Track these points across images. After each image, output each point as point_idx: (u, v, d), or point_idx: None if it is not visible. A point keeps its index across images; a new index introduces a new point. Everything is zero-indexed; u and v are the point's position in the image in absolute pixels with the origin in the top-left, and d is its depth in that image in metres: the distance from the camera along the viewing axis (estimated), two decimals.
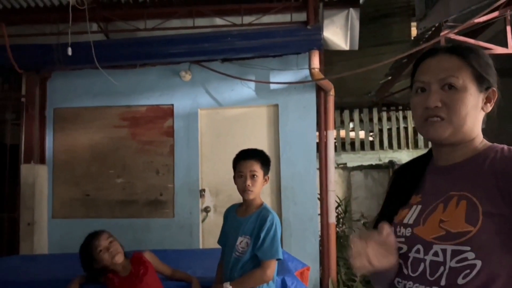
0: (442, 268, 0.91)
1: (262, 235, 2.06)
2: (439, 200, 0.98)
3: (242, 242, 2.11)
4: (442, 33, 3.64)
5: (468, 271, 0.88)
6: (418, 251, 0.96)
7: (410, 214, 1.02)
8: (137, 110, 4.46)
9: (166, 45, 4.04)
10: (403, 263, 0.99)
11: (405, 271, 0.98)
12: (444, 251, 0.91)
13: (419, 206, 1.02)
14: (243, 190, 2.15)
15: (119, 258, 2.29)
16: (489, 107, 1.00)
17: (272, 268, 2.07)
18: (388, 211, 1.10)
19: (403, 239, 1.00)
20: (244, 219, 2.17)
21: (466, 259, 0.88)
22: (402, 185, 1.11)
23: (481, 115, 1.00)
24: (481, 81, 0.98)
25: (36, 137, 4.34)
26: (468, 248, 0.88)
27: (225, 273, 2.19)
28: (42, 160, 4.40)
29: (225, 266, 2.19)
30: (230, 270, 2.13)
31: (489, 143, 1.01)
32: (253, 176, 2.12)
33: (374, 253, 0.92)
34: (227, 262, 2.16)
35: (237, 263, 2.11)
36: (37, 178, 4.24)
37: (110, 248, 2.29)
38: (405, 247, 0.99)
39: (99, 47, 3.88)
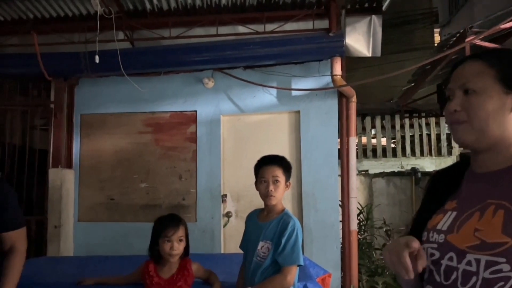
0: (475, 278, 0.89)
1: (283, 241, 2.07)
2: (475, 208, 0.96)
3: (263, 247, 2.13)
4: (467, 39, 3.60)
5: (502, 283, 0.85)
6: (451, 259, 0.94)
7: (445, 220, 1.01)
8: (161, 117, 4.55)
9: (190, 53, 4.12)
10: (435, 269, 0.97)
11: (437, 278, 0.97)
12: (477, 261, 0.89)
13: (454, 213, 1.00)
14: (265, 196, 2.17)
15: (174, 259, 2.27)
16: None
17: (292, 274, 2.08)
18: (423, 216, 1.08)
19: (435, 245, 0.99)
20: (265, 224, 2.20)
21: (501, 270, 0.85)
22: (438, 189, 1.09)
23: None
24: (508, 82, 0.96)
25: (64, 142, 4.47)
26: (504, 260, 0.85)
27: (246, 277, 2.21)
28: (69, 165, 4.52)
29: (246, 271, 2.21)
30: (251, 275, 2.15)
31: None
32: (275, 182, 2.15)
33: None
34: (248, 267, 2.19)
35: (258, 268, 2.12)
36: (64, 182, 4.36)
37: (175, 245, 2.25)
38: (437, 254, 0.98)
39: (124, 55, 3.99)
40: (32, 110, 4.90)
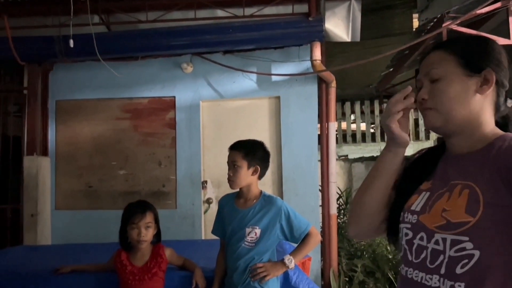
0: (442, 257, 0.93)
1: (288, 221, 2.16)
2: (445, 188, 1.00)
3: (251, 232, 2.15)
4: (444, 24, 3.63)
5: (466, 260, 0.89)
6: (421, 239, 0.98)
7: (419, 201, 1.04)
8: (139, 102, 4.47)
9: (168, 37, 4.04)
10: (408, 249, 1.02)
11: (409, 256, 1.01)
12: (444, 240, 0.93)
13: (428, 193, 1.04)
14: (228, 180, 2.20)
15: (142, 245, 2.26)
16: (487, 89, 1.00)
17: (316, 231, 2.24)
18: (401, 195, 1.11)
19: (409, 225, 1.03)
20: (247, 210, 2.21)
21: (464, 249, 0.89)
22: (417, 170, 1.13)
23: (479, 101, 1.00)
24: (469, 66, 1.00)
25: (39, 129, 4.35)
26: (467, 238, 0.89)
27: (229, 262, 2.22)
28: (44, 152, 4.42)
29: (229, 256, 2.22)
30: (236, 260, 2.16)
31: (502, 132, 1.01)
32: (233, 166, 2.17)
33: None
34: (232, 252, 2.19)
35: (246, 252, 2.15)
36: (40, 170, 4.26)
37: (143, 232, 2.23)
38: (410, 234, 1.02)
39: (100, 39, 3.88)
40: (5, 96, 4.75)
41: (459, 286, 0.89)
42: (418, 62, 1.14)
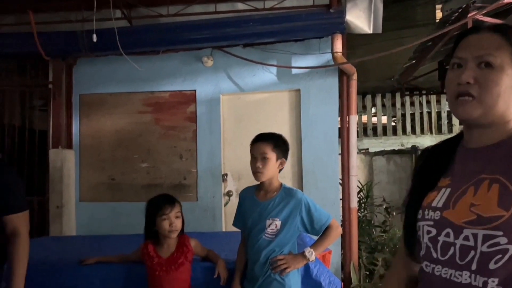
0: (473, 253, 0.89)
1: (308, 214, 2.16)
2: (469, 183, 0.96)
3: (271, 224, 2.16)
4: (469, 15, 3.55)
5: (500, 256, 0.86)
6: (448, 235, 0.95)
7: (439, 197, 1.01)
8: (161, 96, 4.52)
9: (188, 31, 4.06)
10: (432, 246, 0.98)
11: (433, 254, 0.98)
12: (475, 235, 0.89)
13: (448, 189, 1.00)
14: (254, 172, 2.20)
15: (174, 235, 2.31)
16: None
17: (337, 223, 2.25)
18: (417, 194, 1.09)
19: (431, 223, 0.99)
20: (267, 203, 2.22)
21: (498, 244, 0.86)
22: (431, 167, 1.09)
23: None
24: None
25: (63, 123, 4.45)
26: (501, 233, 0.86)
27: (250, 254, 2.24)
28: (69, 145, 4.52)
29: (250, 248, 2.24)
30: (257, 252, 2.18)
31: None
32: (263, 158, 2.16)
33: None
34: (253, 244, 2.21)
35: (267, 244, 2.16)
36: (65, 163, 4.37)
37: (174, 222, 2.29)
38: (434, 231, 0.98)
39: (123, 33, 3.93)
40: (31, 90, 4.87)
41: (493, 281, 0.86)
42: (456, 39, 1.03)
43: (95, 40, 3.74)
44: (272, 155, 2.17)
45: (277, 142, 2.21)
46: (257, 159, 2.17)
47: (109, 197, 4.52)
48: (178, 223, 2.31)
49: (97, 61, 4.49)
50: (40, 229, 4.47)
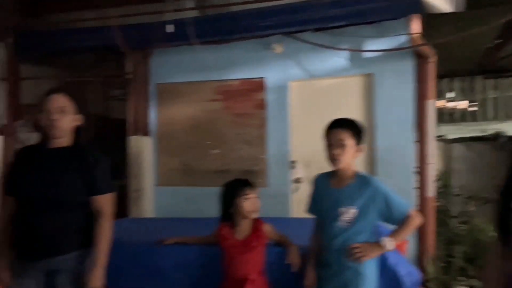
0: None
1: (386, 202, 2.10)
2: None
3: (346, 212, 2.12)
4: None
5: None
6: None
7: None
8: (231, 84, 4.59)
9: (259, 18, 4.07)
10: None
11: None
12: None
13: None
14: (331, 159, 2.15)
15: (255, 215, 2.38)
16: None
17: (417, 212, 2.15)
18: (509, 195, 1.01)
19: None
20: (342, 190, 2.17)
21: None
22: None
23: None
24: None
25: (141, 111, 4.68)
26: None
27: (324, 241, 2.22)
28: (146, 133, 4.75)
29: (324, 235, 2.21)
30: (331, 239, 2.15)
31: None
32: (341, 145, 2.11)
33: None
34: (327, 231, 2.19)
35: (342, 232, 2.13)
36: (143, 149, 4.61)
37: (255, 203, 2.37)
38: None
39: (196, 23, 4.03)
40: (110, 81, 5.18)
41: None
42: None
43: (170, 30, 3.88)
44: (350, 142, 2.12)
45: (355, 128, 2.16)
46: (334, 146, 2.13)
47: (183, 182, 4.71)
48: (258, 204, 2.38)
49: (171, 51, 4.64)
50: (121, 211, 4.77)
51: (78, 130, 2.28)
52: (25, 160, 2.21)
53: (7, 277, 2.12)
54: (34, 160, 2.19)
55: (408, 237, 3.35)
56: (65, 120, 2.15)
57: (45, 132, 2.19)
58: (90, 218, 2.18)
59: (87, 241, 2.14)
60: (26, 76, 4.85)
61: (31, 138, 4.40)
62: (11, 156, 2.33)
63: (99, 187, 2.18)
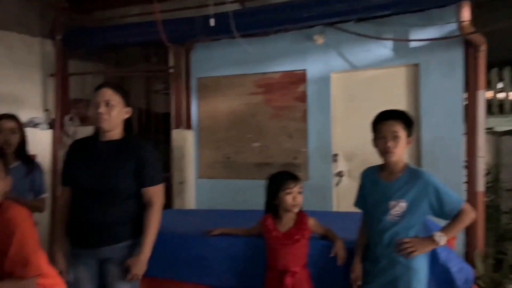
0: None
1: (437, 196, 2.04)
2: None
3: (396, 206, 2.08)
4: None
5: None
6: None
7: None
8: (271, 77, 4.58)
9: (300, 9, 4.01)
10: None
11: None
12: None
13: None
14: (384, 152, 2.11)
15: (296, 209, 2.37)
16: None
17: (470, 207, 2.10)
18: None
19: None
20: (392, 184, 2.13)
21: None
22: None
23: None
24: None
25: (183, 105, 4.76)
26: None
27: (372, 235, 2.18)
28: (188, 126, 4.83)
29: (373, 229, 2.18)
30: (380, 233, 2.12)
31: None
32: (394, 137, 2.07)
33: None
34: (376, 225, 2.15)
35: (391, 226, 2.09)
36: (186, 142, 4.70)
37: (297, 197, 2.36)
38: None
39: (236, 16, 4.03)
40: (154, 76, 5.29)
41: None
42: None
43: (212, 24, 3.90)
44: (403, 134, 2.08)
45: (407, 120, 2.12)
46: (387, 138, 2.08)
47: (224, 175, 4.77)
48: (300, 199, 2.36)
49: (212, 45, 4.69)
50: (165, 202, 4.89)
51: (128, 123, 2.34)
52: (79, 152, 2.30)
53: (63, 264, 2.23)
54: (88, 153, 2.27)
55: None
56: (113, 113, 2.20)
57: (96, 126, 2.26)
58: (141, 209, 2.25)
59: (139, 231, 2.21)
60: (74, 72, 5.04)
61: (78, 132, 4.58)
62: (64, 149, 2.44)
63: (150, 179, 2.25)
